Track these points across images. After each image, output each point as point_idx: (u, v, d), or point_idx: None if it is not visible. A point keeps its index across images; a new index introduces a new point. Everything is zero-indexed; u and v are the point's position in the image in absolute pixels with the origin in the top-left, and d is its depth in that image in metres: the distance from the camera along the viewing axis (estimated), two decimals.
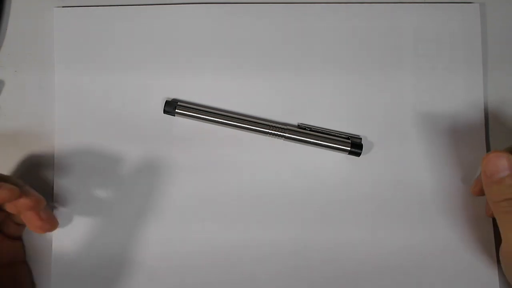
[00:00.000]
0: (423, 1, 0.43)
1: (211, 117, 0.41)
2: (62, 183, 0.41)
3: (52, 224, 0.38)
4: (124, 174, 0.41)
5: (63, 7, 0.43)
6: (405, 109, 0.42)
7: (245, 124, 0.41)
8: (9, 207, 0.36)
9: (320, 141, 0.40)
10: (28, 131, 0.42)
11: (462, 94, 0.42)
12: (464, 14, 0.43)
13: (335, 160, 0.41)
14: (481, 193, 0.38)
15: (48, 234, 0.41)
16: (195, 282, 0.40)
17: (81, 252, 0.41)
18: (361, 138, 0.41)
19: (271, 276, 0.40)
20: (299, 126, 0.41)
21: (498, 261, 0.40)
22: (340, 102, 0.42)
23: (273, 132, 0.40)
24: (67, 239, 0.41)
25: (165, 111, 0.41)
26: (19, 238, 0.41)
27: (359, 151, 0.40)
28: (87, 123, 0.42)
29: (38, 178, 0.41)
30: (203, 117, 0.41)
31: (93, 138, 0.42)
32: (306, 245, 0.41)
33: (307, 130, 0.41)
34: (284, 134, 0.40)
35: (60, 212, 0.41)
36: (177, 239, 0.41)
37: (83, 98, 0.42)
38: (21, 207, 0.36)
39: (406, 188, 0.41)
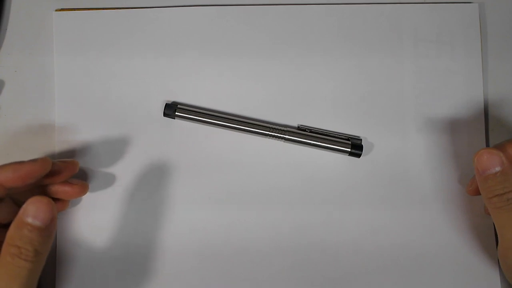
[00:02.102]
0: (423, 1, 0.43)
1: (211, 119, 0.41)
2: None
3: (83, 187, 0.39)
4: (124, 176, 0.41)
5: (62, 10, 0.43)
6: (405, 110, 0.42)
7: (245, 126, 0.41)
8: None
9: (320, 142, 0.40)
10: (28, 131, 0.42)
11: (462, 94, 0.42)
12: (463, 14, 0.43)
13: (336, 161, 0.42)
14: (477, 192, 0.39)
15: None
16: (195, 281, 0.41)
17: (85, 251, 0.41)
18: (361, 139, 0.41)
19: (272, 276, 0.41)
20: (299, 128, 0.41)
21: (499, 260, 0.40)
22: (340, 103, 0.42)
23: (273, 134, 0.40)
24: (71, 238, 0.41)
25: (165, 114, 0.41)
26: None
27: (359, 152, 0.40)
28: (87, 125, 0.42)
29: None
30: (203, 120, 0.41)
31: (93, 140, 0.42)
32: (307, 245, 0.41)
33: (307, 131, 0.41)
34: (284, 136, 0.40)
35: (61, 212, 0.41)
36: (177, 240, 0.41)
37: (83, 100, 0.42)
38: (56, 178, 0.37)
39: (406, 188, 0.41)
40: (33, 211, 0.32)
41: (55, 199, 0.39)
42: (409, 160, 0.42)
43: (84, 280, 0.41)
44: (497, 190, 0.35)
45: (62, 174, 0.38)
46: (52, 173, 0.37)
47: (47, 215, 0.32)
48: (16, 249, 0.31)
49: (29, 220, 0.32)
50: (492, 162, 0.35)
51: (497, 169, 0.35)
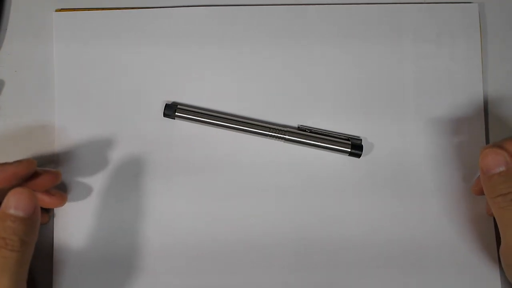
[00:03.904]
0: (423, 1, 0.43)
1: (211, 119, 0.41)
2: (62, 183, 0.41)
3: (62, 198, 0.40)
4: (124, 176, 0.41)
5: (62, 10, 0.43)
6: (405, 110, 0.42)
7: (245, 127, 0.41)
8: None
9: (320, 142, 0.41)
10: (28, 131, 0.42)
11: (462, 94, 0.42)
12: (463, 14, 0.43)
13: (336, 161, 0.42)
14: (481, 192, 0.38)
15: (50, 230, 0.41)
16: (196, 280, 0.41)
17: (82, 248, 0.41)
18: (361, 139, 0.41)
19: (272, 276, 0.41)
20: (299, 128, 0.41)
21: (499, 260, 0.40)
22: (340, 103, 0.42)
23: (273, 134, 0.40)
24: (68, 236, 0.41)
25: (165, 114, 0.41)
26: None
27: (359, 152, 0.40)
28: (87, 125, 0.42)
29: None
30: (203, 120, 0.41)
31: (93, 140, 0.42)
32: (307, 245, 0.41)
33: (307, 131, 0.41)
34: (284, 136, 0.40)
35: (61, 210, 0.41)
36: (176, 239, 0.41)
37: (83, 100, 0.42)
38: (38, 185, 0.37)
39: (406, 188, 0.41)
40: (14, 202, 0.32)
41: None
42: (409, 160, 0.42)
43: (83, 279, 0.41)
44: (501, 190, 0.35)
45: (45, 182, 0.38)
46: (34, 176, 0.37)
47: (28, 204, 0.33)
48: (1, 241, 0.32)
49: (11, 211, 0.32)
50: (497, 161, 0.35)
51: (501, 168, 0.35)
